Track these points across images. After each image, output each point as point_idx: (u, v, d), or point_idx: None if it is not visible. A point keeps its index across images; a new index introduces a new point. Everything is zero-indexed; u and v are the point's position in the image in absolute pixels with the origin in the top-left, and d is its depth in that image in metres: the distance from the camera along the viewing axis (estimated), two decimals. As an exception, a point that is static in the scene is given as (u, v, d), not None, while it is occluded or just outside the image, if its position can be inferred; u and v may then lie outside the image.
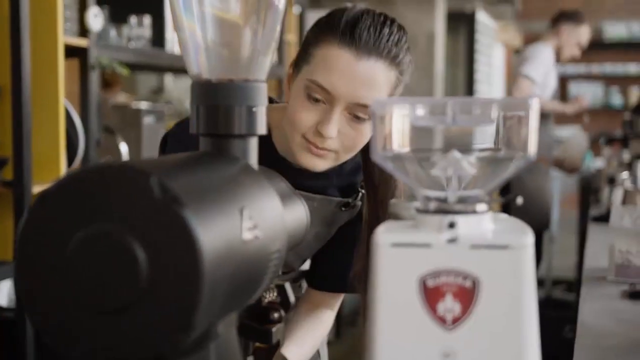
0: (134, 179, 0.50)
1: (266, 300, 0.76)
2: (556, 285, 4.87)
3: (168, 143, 1.27)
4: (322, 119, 1.13)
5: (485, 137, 0.65)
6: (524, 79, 4.21)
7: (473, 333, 0.58)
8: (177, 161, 0.58)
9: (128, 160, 0.63)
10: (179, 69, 3.71)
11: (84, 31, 2.68)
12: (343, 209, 1.28)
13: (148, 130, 3.03)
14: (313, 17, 3.25)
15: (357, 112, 1.13)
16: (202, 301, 0.49)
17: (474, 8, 6.19)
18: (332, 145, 1.14)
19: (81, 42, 2.65)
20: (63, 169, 2.50)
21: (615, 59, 8.19)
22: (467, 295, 0.58)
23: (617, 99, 8.27)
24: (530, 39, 6.37)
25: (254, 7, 0.63)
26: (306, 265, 1.39)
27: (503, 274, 0.58)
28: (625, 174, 2.73)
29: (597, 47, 7.61)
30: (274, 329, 0.73)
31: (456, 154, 0.61)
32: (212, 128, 0.62)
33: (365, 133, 1.15)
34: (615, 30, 8.15)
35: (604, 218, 2.40)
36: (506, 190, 4.06)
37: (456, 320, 0.58)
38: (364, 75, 1.11)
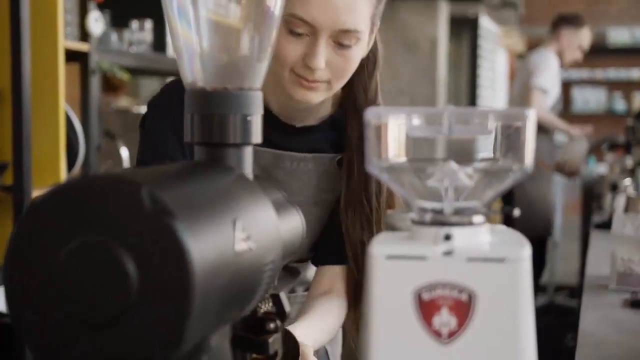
0: (125, 190, 0.49)
1: (262, 311, 0.76)
2: (559, 292, 4.87)
3: (148, 114, 1.22)
4: (307, 51, 1.12)
5: (485, 147, 0.64)
6: (538, 91, 4.15)
7: (469, 348, 0.57)
8: (170, 171, 0.57)
9: (120, 171, 0.62)
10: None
11: (84, 35, 2.68)
12: (339, 166, 1.26)
13: (149, 135, 3.01)
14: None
15: (341, 40, 1.12)
16: (192, 314, 0.48)
17: (477, 13, 6.18)
18: (323, 76, 1.14)
19: (82, 46, 2.66)
20: (63, 174, 2.49)
21: (619, 65, 8.18)
22: (463, 309, 0.57)
23: (620, 105, 8.25)
24: (534, 44, 6.35)
25: (249, 13, 0.63)
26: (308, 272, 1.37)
27: (499, 287, 0.57)
28: (627, 181, 2.71)
29: (601, 53, 7.60)
30: (270, 340, 0.72)
31: (453, 164, 0.60)
32: (206, 137, 0.62)
33: (353, 58, 1.14)
34: (619, 35, 8.13)
35: (607, 225, 2.39)
36: (509, 197, 4.05)
37: (452, 335, 0.58)
38: (341, 0, 1.10)
